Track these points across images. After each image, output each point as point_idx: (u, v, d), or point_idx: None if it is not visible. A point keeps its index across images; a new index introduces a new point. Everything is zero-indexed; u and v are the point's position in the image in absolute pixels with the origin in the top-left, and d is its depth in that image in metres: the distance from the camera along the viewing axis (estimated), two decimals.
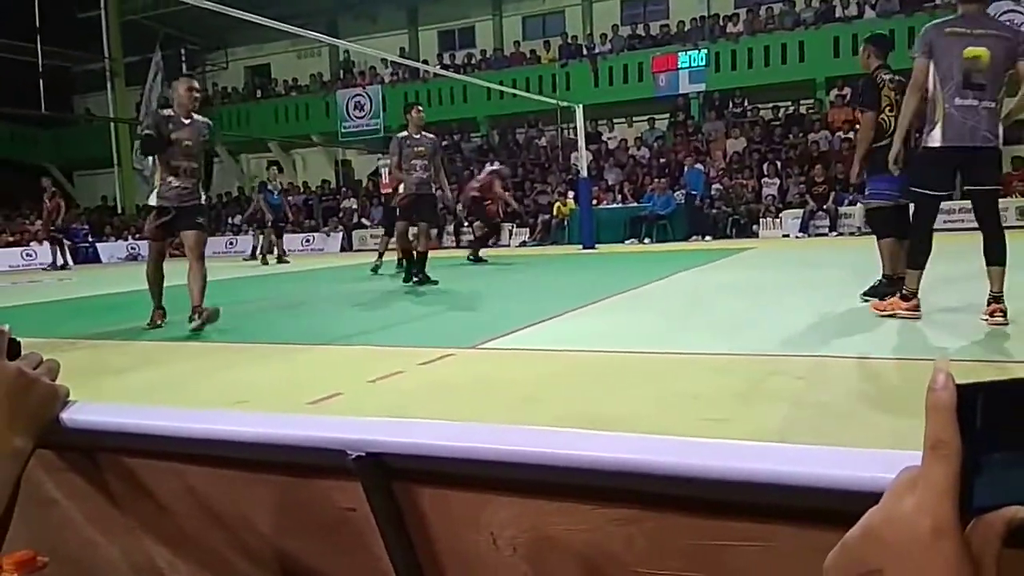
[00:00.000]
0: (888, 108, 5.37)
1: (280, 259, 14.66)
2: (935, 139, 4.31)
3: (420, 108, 8.36)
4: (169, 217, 5.60)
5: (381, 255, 10.97)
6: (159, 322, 5.77)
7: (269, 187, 14.63)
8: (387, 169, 10.49)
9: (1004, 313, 4.23)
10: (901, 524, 0.37)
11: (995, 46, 4.27)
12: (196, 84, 5.92)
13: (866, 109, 5.42)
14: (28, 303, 8.91)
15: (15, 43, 19.68)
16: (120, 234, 22.41)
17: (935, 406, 0.38)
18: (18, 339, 0.79)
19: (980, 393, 0.38)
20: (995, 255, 4.28)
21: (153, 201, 5.67)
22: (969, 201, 4.53)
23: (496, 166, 13.07)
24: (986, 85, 4.26)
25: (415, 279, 8.22)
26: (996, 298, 4.27)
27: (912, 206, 4.65)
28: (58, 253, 16.92)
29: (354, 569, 0.73)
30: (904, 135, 4.54)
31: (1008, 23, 15.53)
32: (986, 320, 4.24)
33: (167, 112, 5.73)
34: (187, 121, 5.66)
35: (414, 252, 8.48)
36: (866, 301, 5.43)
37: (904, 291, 4.60)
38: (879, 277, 5.56)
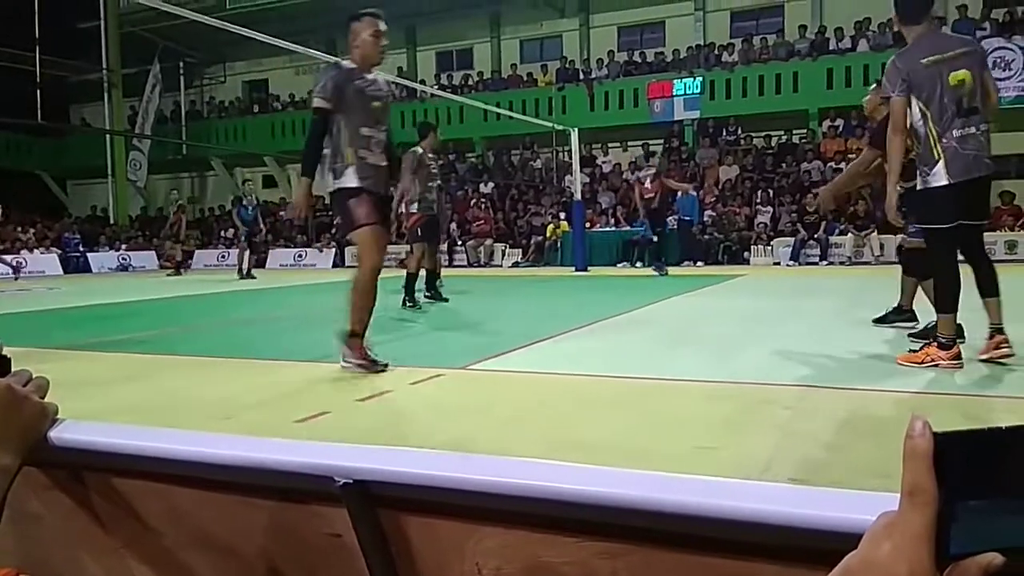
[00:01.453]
0: None
1: (247, 275, 14.51)
2: (939, 178, 3.95)
3: (436, 129, 8.29)
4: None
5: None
6: (377, 359, 4.32)
7: (244, 202, 14.68)
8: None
9: (1009, 344, 4.07)
10: (878, 570, 0.38)
11: (971, 63, 4.01)
12: (382, 27, 4.36)
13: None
14: (16, 312, 8.86)
15: (14, 52, 19.71)
16: (112, 244, 22.35)
17: (912, 453, 0.38)
18: (8, 356, 0.79)
19: (957, 441, 0.39)
20: (991, 286, 4.10)
21: (352, 182, 4.23)
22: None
23: (652, 169, 13.41)
24: (978, 107, 4.01)
25: (426, 295, 8.32)
26: (998, 329, 4.10)
27: (925, 245, 4.23)
28: None
29: None
30: (896, 181, 4.17)
31: (999, 60, 15.87)
32: (992, 355, 4.05)
33: (348, 64, 4.34)
34: (371, 76, 4.36)
35: (407, 272, 8.37)
36: (877, 325, 5.51)
37: (941, 338, 4.07)
38: (895, 304, 5.57)
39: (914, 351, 4.25)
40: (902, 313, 5.54)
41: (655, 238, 14.36)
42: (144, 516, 0.80)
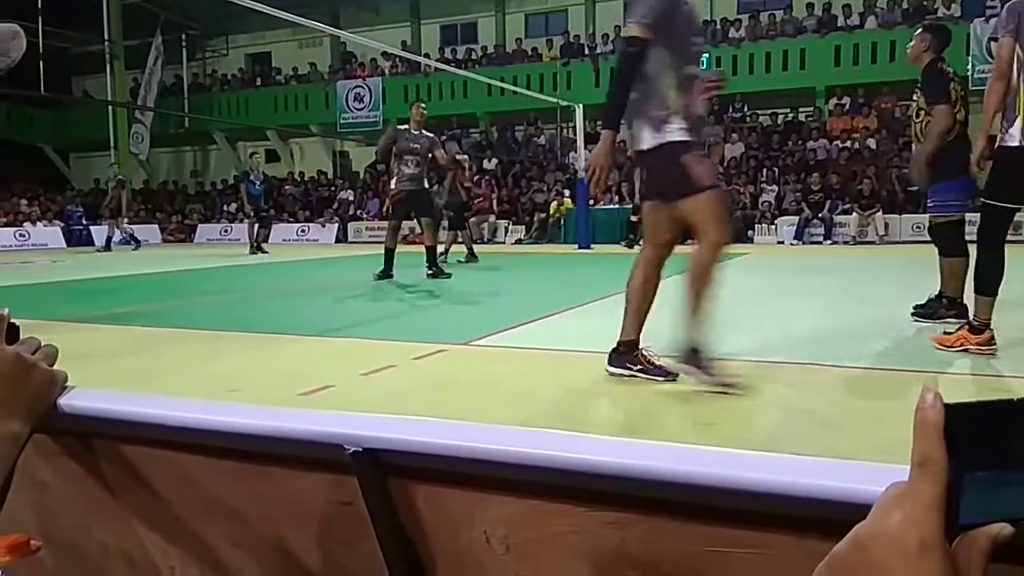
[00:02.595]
0: (954, 104, 4.64)
1: (258, 249, 14.40)
2: (1014, 136, 3.64)
3: (423, 106, 8.43)
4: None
5: (447, 250, 10.64)
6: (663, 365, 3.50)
7: (251, 177, 14.56)
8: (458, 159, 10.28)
9: None
10: (888, 539, 0.38)
11: None
12: None
13: (937, 101, 4.59)
14: (20, 284, 8.88)
15: (16, 22, 19.54)
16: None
17: (923, 424, 0.38)
18: (17, 323, 0.79)
19: (967, 412, 0.39)
20: None
21: (681, 134, 3.31)
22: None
23: None
24: None
25: (428, 273, 8.36)
26: None
27: (979, 219, 3.90)
28: None
29: (347, 563, 0.73)
30: (988, 130, 3.79)
31: None
32: None
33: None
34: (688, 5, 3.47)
35: (424, 246, 8.57)
36: (917, 320, 4.89)
37: (975, 322, 3.86)
38: (933, 294, 4.95)
39: (948, 333, 4.04)
40: (955, 306, 4.80)
41: None
42: (154, 483, 0.81)
